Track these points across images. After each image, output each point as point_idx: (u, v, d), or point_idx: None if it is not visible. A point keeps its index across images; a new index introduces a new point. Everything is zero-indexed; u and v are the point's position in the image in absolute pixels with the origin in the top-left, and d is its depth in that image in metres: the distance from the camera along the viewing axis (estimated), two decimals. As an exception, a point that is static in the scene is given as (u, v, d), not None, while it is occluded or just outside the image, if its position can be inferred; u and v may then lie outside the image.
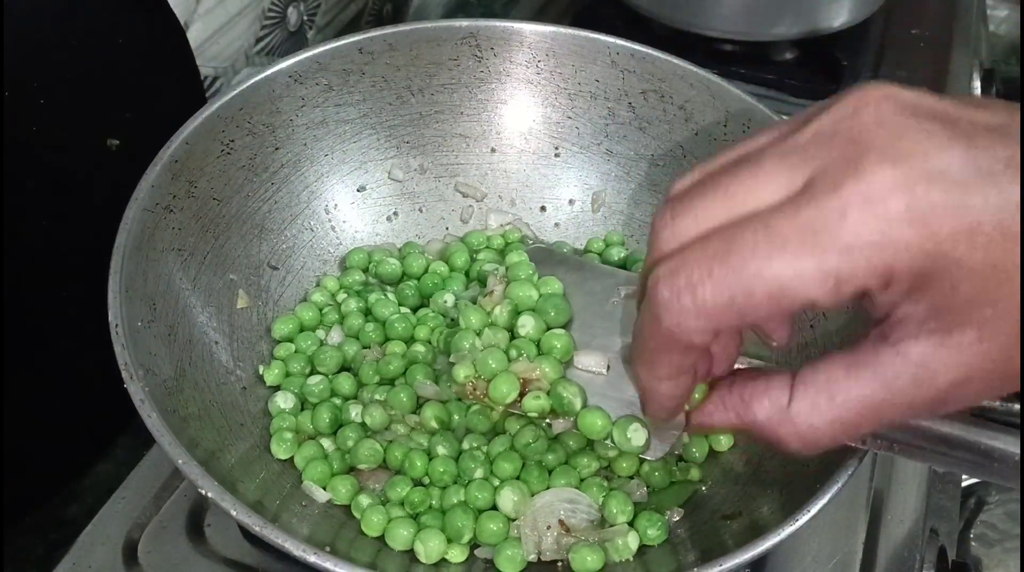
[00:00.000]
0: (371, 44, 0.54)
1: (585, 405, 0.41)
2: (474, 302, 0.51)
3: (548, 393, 0.41)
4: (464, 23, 0.56)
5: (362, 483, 0.46)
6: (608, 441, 0.41)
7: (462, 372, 0.42)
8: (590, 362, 0.42)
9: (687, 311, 0.30)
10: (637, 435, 0.40)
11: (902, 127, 0.28)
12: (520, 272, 0.46)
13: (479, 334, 0.44)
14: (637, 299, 0.34)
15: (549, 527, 0.42)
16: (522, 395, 0.41)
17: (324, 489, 0.45)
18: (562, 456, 0.46)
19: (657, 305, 0.31)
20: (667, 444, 0.41)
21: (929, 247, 0.27)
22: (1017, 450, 0.36)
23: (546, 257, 0.46)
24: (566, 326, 0.44)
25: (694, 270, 0.30)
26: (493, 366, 0.42)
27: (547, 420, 0.42)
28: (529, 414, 0.42)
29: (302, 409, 0.49)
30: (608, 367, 0.42)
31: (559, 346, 0.42)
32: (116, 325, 0.40)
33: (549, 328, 0.43)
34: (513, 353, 0.43)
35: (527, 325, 0.43)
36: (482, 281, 0.54)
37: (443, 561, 0.43)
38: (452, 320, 0.51)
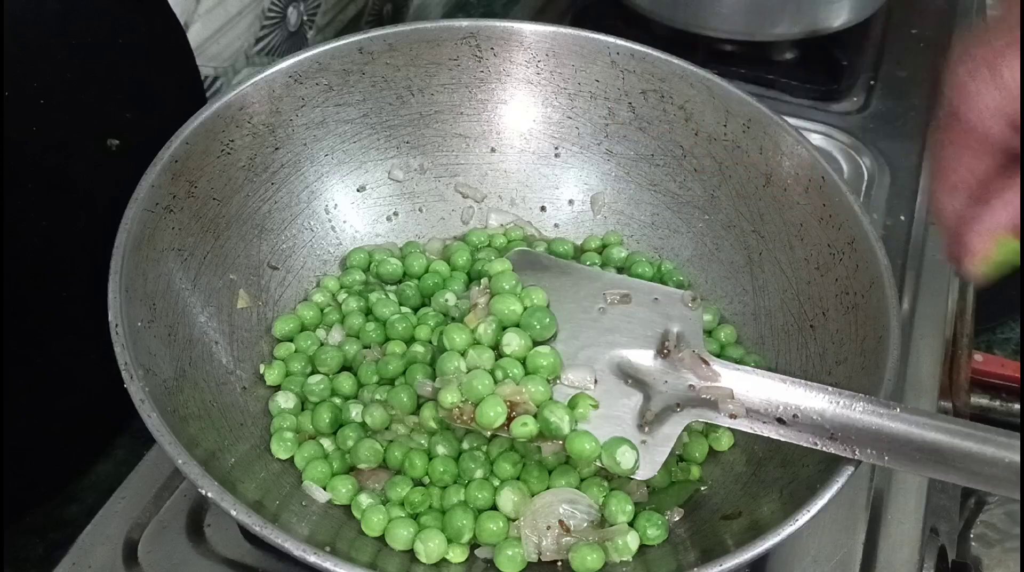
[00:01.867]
0: (371, 44, 0.54)
1: (574, 427, 0.41)
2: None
3: (536, 416, 0.41)
4: (464, 23, 0.56)
5: (362, 483, 0.46)
6: (597, 463, 0.41)
7: (448, 398, 0.41)
8: (576, 378, 0.42)
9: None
10: (626, 457, 0.40)
11: None
12: (503, 283, 0.45)
13: (463, 355, 0.43)
14: None
15: (549, 527, 0.42)
16: (510, 418, 0.41)
17: (324, 489, 0.45)
18: (562, 456, 0.46)
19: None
20: (657, 463, 0.41)
21: None
22: (1012, 454, 0.36)
23: (530, 263, 0.45)
24: (552, 339, 0.43)
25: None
26: (479, 390, 0.41)
27: (536, 444, 0.41)
28: (518, 440, 0.41)
29: (302, 409, 0.49)
30: (595, 381, 0.42)
31: (545, 365, 0.42)
32: (116, 325, 0.40)
33: (535, 343, 0.43)
34: (499, 374, 0.42)
35: (512, 343, 0.42)
36: (484, 281, 0.54)
37: (443, 561, 0.43)
38: (452, 319, 0.51)
